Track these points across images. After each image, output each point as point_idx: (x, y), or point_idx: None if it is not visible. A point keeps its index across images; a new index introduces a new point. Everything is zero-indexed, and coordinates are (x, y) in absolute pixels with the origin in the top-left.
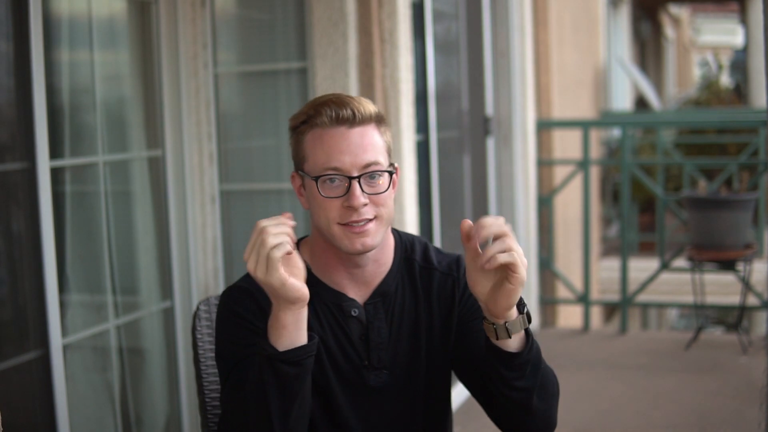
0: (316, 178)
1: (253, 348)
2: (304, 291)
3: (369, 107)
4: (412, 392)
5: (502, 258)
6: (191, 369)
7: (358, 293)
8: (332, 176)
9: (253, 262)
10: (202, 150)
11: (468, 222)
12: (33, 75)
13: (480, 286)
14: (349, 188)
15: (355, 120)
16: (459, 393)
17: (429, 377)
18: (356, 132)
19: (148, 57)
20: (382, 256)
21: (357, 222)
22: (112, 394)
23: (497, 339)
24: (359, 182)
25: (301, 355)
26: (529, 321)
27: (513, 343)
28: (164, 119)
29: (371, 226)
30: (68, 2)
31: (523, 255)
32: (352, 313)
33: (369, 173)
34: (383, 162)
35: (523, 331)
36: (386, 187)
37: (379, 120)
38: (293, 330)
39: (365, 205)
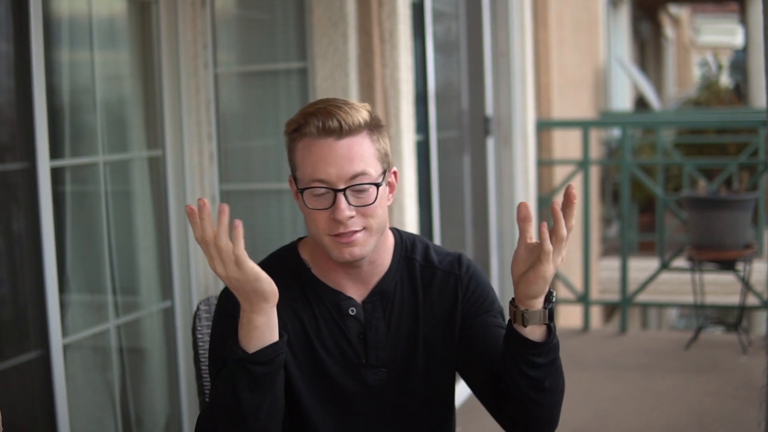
0: (302, 191)
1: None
2: (274, 286)
3: (358, 116)
4: (412, 391)
5: (547, 246)
6: (191, 369)
7: (356, 292)
8: (318, 188)
9: (221, 266)
10: (202, 150)
11: (527, 207)
12: (33, 75)
13: (517, 266)
14: (335, 200)
15: (342, 131)
16: (459, 393)
17: (429, 376)
18: (343, 144)
19: (148, 57)
20: (378, 258)
21: (344, 234)
22: (112, 394)
23: (514, 323)
24: (345, 195)
25: (270, 354)
26: (550, 319)
27: (531, 333)
28: (164, 119)
29: (359, 236)
30: (68, 2)
31: (558, 260)
32: (350, 312)
33: (355, 185)
34: (372, 172)
35: (545, 327)
36: (374, 198)
37: (373, 127)
38: (265, 330)
39: (351, 217)
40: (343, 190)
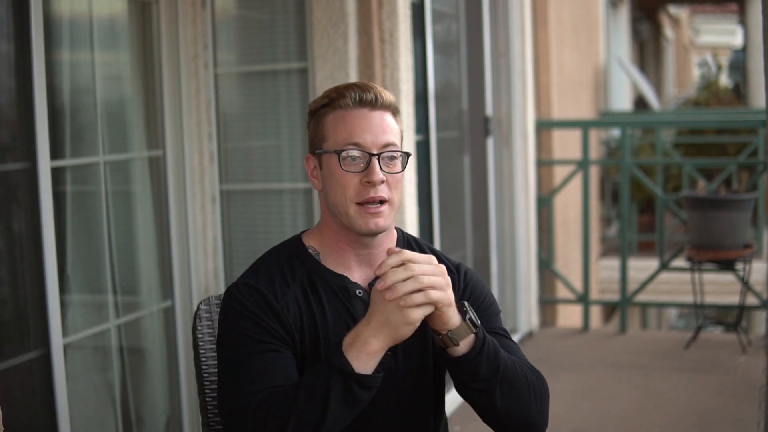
0: (339, 152)
1: (265, 345)
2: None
3: (388, 95)
4: (421, 374)
5: (417, 299)
6: (191, 369)
7: (362, 277)
8: (353, 151)
9: (411, 287)
10: (202, 150)
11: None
12: (34, 75)
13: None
14: (368, 165)
15: (376, 103)
16: None
17: (436, 360)
18: (377, 114)
19: (149, 57)
20: (385, 242)
21: (373, 200)
22: (112, 393)
23: (446, 348)
24: (378, 160)
25: (376, 383)
26: (475, 326)
27: (461, 348)
28: (165, 119)
29: (385, 208)
30: (69, 2)
31: (430, 278)
32: (357, 293)
33: (388, 153)
34: (399, 146)
35: (472, 335)
36: (401, 168)
37: (395, 110)
38: (377, 358)
39: (383, 182)
40: (378, 154)
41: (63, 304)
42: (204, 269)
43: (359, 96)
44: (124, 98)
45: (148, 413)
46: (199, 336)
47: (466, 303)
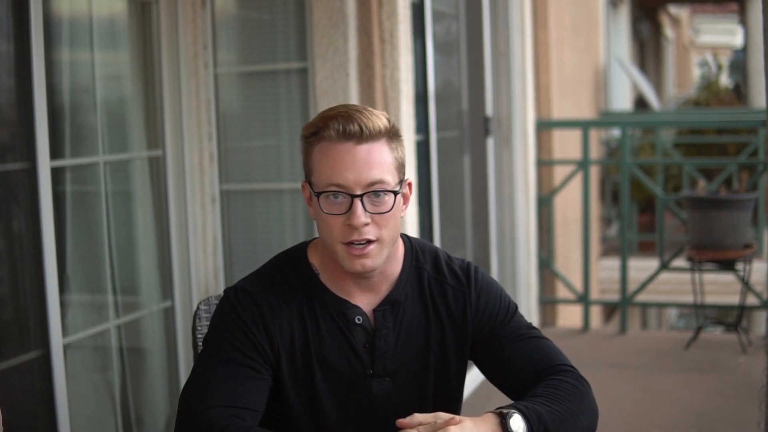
0: (318, 194)
1: (247, 359)
2: None
3: (378, 122)
4: (420, 401)
5: None
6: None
7: (365, 301)
8: (335, 192)
9: None
10: (202, 150)
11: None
12: (33, 75)
13: None
14: (351, 206)
15: (362, 136)
16: None
17: (439, 387)
18: (363, 149)
19: (149, 57)
20: (388, 267)
21: (358, 242)
22: (112, 393)
23: None
24: (362, 201)
25: None
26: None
27: None
28: (164, 119)
29: (372, 248)
30: (69, 2)
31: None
32: (356, 320)
33: (372, 192)
34: (390, 180)
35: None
36: (390, 206)
37: (391, 135)
38: None
39: (366, 224)
40: (360, 196)
41: (63, 304)
42: (204, 269)
43: (343, 127)
44: (124, 98)
45: (148, 413)
46: (199, 336)
47: (505, 412)
